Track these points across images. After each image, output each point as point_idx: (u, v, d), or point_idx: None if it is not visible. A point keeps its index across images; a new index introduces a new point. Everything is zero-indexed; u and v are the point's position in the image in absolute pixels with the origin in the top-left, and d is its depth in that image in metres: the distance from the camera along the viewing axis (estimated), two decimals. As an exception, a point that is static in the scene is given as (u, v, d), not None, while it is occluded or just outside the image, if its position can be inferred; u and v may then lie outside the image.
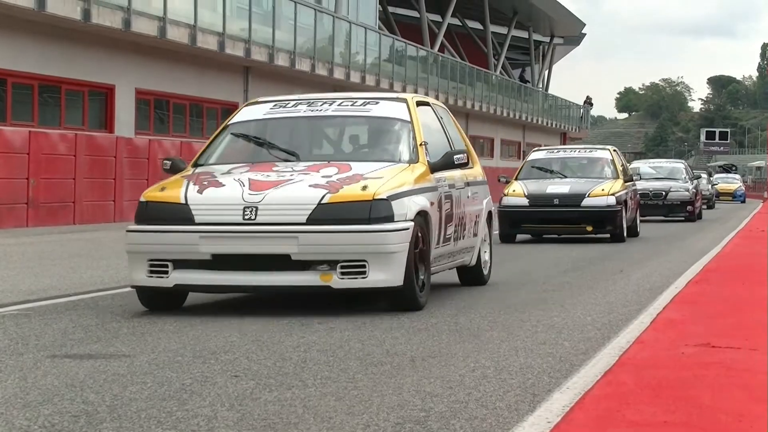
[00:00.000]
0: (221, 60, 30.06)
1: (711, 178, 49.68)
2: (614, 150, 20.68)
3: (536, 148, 21.86)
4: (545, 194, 18.47)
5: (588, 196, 18.24)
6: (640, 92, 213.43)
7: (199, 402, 4.80)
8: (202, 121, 31.32)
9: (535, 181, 19.19)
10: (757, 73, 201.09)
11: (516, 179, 19.59)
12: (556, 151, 21.11)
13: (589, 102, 78.49)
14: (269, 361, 5.88)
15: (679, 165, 31.05)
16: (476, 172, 10.22)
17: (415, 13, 51.45)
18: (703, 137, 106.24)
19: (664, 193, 28.08)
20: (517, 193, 18.69)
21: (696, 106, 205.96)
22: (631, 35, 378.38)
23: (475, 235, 9.89)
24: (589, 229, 18.23)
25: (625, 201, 18.64)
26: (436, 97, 45.50)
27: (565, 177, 19.53)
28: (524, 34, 65.99)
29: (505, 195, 18.86)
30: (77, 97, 25.81)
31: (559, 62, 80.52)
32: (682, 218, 27.54)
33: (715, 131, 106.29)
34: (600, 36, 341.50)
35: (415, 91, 43.27)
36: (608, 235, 18.31)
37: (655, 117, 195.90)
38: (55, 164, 23.40)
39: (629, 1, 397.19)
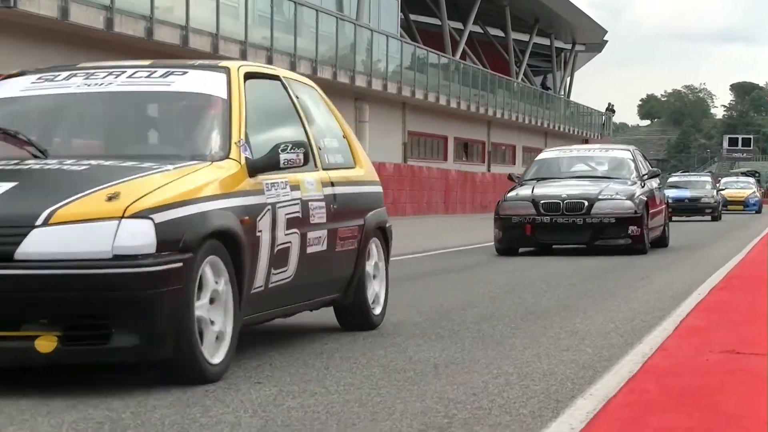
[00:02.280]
0: (243, 68, 30.11)
1: (717, 184, 43.68)
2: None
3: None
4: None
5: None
6: (663, 99, 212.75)
7: (222, 408, 4.81)
8: (224, 129, 31.38)
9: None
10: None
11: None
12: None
13: (611, 109, 78.33)
14: (292, 368, 5.88)
15: (623, 155, 18.21)
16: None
17: (436, 21, 51.47)
18: (725, 144, 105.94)
19: (585, 203, 16.03)
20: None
21: (719, 112, 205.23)
22: (654, 42, 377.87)
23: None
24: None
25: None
26: (458, 105, 45.54)
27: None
28: (546, 42, 65.92)
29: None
30: (100, 105, 25.90)
31: (581, 69, 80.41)
32: (622, 246, 15.93)
33: (737, 138, 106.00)
34: (622, 43, 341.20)
35: (437, 99, 43.30)
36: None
37: (677, 124, 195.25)
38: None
39: (651, 8, 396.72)
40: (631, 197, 16.17)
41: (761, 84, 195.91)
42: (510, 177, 18.13)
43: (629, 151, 18.36)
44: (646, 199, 16.43)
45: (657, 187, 18.09)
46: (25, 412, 4.75)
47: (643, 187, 16.88)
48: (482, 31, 59.07)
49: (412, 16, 51.40)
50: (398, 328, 7.55)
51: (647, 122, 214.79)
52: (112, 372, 5.71)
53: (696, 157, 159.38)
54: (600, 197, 16.02)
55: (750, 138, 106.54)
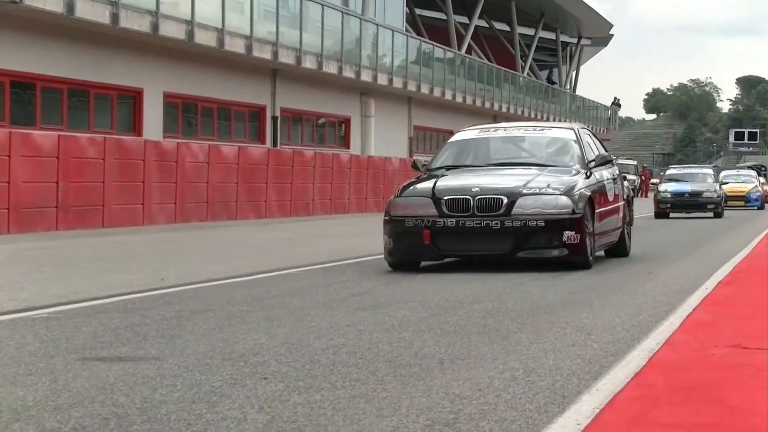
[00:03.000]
0: (249, 63, 30.15)
1: (719, 177, 39.90)
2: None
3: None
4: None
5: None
6: (668, 93, 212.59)
7: (228, 404, 4.81)
8: (229, 124, 31.43)
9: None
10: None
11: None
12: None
13: (616, 103, 78.30)
14: (298, 363, 5.89)
15: (564, 134, 13.96)
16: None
17: (442, 15, 51.45)
18: (732, 138, 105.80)
19: (504, 200, 12.03)
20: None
21: (725, 106, 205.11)
22: (659, 36, 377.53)
23: None
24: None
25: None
26: (464, 99, 45.53)
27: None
28: (551, 36, 65.88)
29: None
30: (106, 100, 25.95)
31: (587, 63, 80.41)
32: (554, 259, 12.00)
33: (744, 132, 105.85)
34: (628, 37, 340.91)
35: (443, 94, 43.31)
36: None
37: (683, 118, 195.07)
38: (84, 168, 23.52)
39: (657, 2, 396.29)
40: (568, 192, 12.06)
41: (767, 77, 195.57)
42: (414, 164, 13.70)
43: (573, 130, 13.87)
44: (590, 194, 12.37)
45: (611, 179, 13.87)
46: (31, 408, 4.75)
47: (588, 177, 12.74)
48: (488, 26, 59.04)
49: (418, 11, 51.38)
50: (404, 323, 7.55)
51: (653, 116, 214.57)
52: (117, 367, 5.72)
53: (702, 152, 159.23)
54: (525, 192, 11.91)
55: (756, 132, 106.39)
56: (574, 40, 70.61)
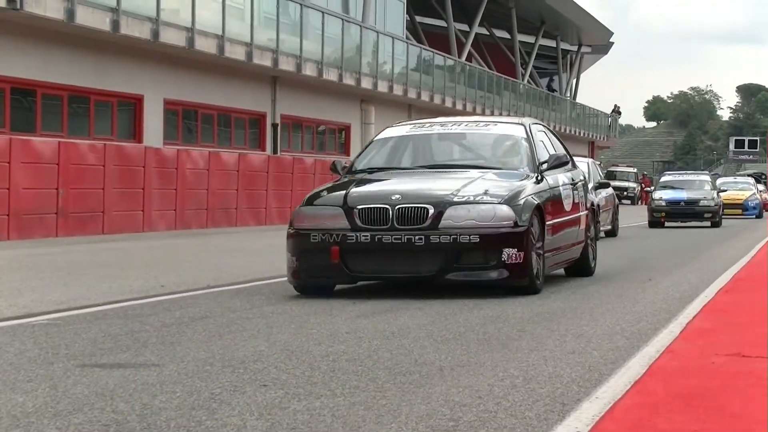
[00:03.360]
0: (249, 70, 30.17)
1: (717, 184, 37.10)
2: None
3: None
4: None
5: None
6: (669, 101, 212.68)
7: (228, 411, 4.81)
8: (230, 131, 31.44)
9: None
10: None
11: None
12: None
13: (617, 111, 78.37)
14: (298, 370, 5.88)
15: (513, 131, 11.78)
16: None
17: (442, 23, 51.49)
18: (732, 146, 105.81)
19: (430, 210, 9.92)
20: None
21: (725, 114, 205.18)
22: (660, 44, 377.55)
23: None
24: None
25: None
26: (464, 107, 45.55)
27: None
28: (552, 43, 65.95)
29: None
30: (106, 107, 25.96)
31: (587, 71, 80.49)
32: (492, 282, 9.94)
33: (744, 140, 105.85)
34: (628, 45, 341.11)
35: (443, 101, 43.34)
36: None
37: (683, 125, 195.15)
38: (84, 174, 23.52)
39: (657, 10, 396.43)
40: (510, 200, 10.00)
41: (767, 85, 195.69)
42: (333, 166, 11.42)
43: (523, 125, 11.59)
44: (539, 202, 10.33)
45: (569, 184, 11.74)
46: (31, 414, 4.75)
47: (538, 182, 10.75)
48: (488, 33, 59.10)
49: (418, 18, 51.43)
50: (404, 330, 7.55)
51: (653, 124, 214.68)
52: (117, 374, 5.72)
53: (702, 159, 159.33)
54: (456, 200, 9.86)
55: (756, 140, 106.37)
56: (575, 48, 70.68)
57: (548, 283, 11.11)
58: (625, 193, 64.52)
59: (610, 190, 24.31)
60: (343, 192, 10.19)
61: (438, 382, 5.54)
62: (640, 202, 64.29)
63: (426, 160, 11.31)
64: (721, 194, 33.19)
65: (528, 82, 60.28)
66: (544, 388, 5.37)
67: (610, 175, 68.10)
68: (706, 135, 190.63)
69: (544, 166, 11.11)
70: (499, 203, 9.91)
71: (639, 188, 67.02)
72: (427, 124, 11.89)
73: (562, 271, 12.17)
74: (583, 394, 5.15)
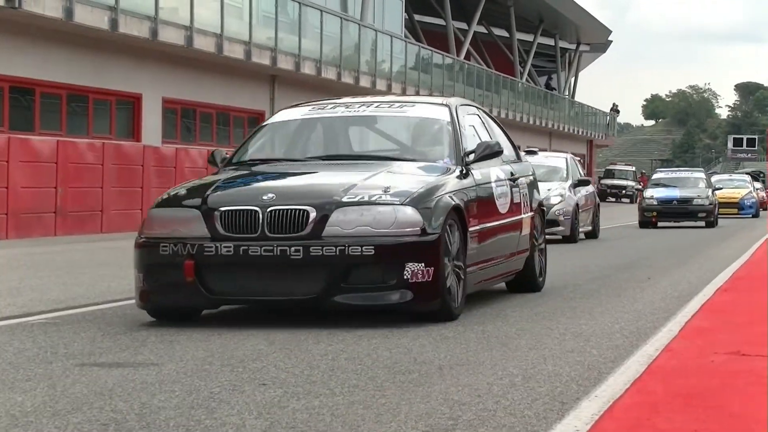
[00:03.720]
0: (248, 69, 30.15)
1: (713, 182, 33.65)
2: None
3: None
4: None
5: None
6: (667, 99, 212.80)
7: (227, 410, 4.81)
8: (228, 129, 31.44)
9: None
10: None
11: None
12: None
13: (615, 109, 78.37)
14: (297, 369, 5.88)
15: (436, 113, 9.55)
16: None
17: (441, 21, 51.49)
18: (730, 144, 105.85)
19: (312, 214, 7.79)
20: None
21: (723, 113, 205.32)
22: (658, 42, 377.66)
23: None
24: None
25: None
26: (462, 105, 45.48)
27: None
28: (550, 42, 65.95)
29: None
30: (105, 106, 25.95)
31: (586, 69, 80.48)
32: (391, 306, 7.78)
33: (742, 138, 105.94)
34: (626, 43, 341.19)
35: (441, 99, 43.25)
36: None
37: (682, 124, 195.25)
38: (82, 173, 23.52)
39: (656, 9, 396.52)
40: (418, 199, 7.83)
41: (766, 84, 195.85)
42: (211, 158, 9.31)
43: (447, 107, 9.38)
44: (458, 202, 8.16)
45: (507, 179, 9.66)
46: (30, 414, 4.75)
47: (463, 177, 8.62)
48: (486, 32, 59.09)
49: (417, 17, 51.42)
50: (403, 329, 7.54)
51: (652, 122, 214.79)
52: (116, 373, 5.71)
53: (701, 158, 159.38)
54: (345, 200, 7.72)
55: (755, 138, 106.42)
56: (573, 46, 70.66)
57: (546, 281, 10.99)
58: (623, 191, 64.59)
59: (590, 188, 22.69)
60: (204, 191, 8.08)
61: (437, 380, 5.54)
62: (638, 201, 64.28)
63: (323, 149, 9.21)
64: (716, 192, 31.17)
65: (526, 80, 60.28)
66: (543, 386, 5.36)
67: (609, 174, 68.28)
68: (705, 133, 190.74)
69: (471, 157, 8.95)
70: (401, 204, 7.72)
71: (639, 186, 67.04)
72: (330, 106, 9.60)
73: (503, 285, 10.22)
74: (583, 393, 5.15)
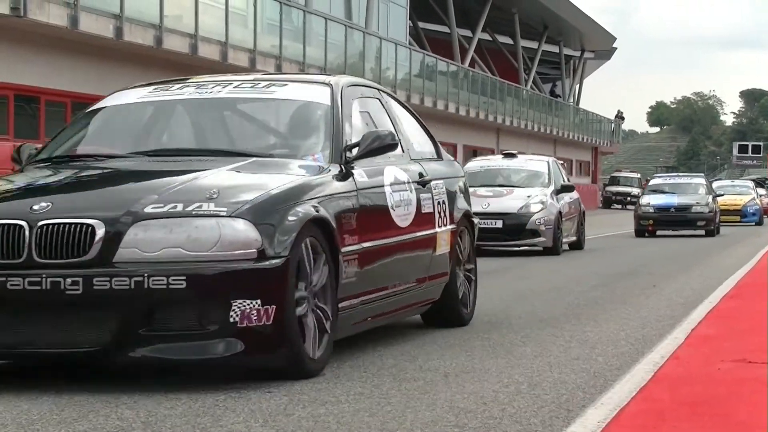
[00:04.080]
0: (252, 76, 30.15)
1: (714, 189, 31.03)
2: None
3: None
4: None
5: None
6: (672, 106, 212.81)
7: (233, 418, 4.81)
8: (233, 137, 31.44)
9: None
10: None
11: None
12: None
13: (620, 116, 78.34)
14: (302, 377, 5.88)
15: (308, 94, 7.18)
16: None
17: (445, 29, 51.51)
18: (735, 151, 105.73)
19: (101, 232, 5.55)
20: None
21: (728, 119, 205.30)
22: (663, 49, 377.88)
23: None
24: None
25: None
26: (467, 113, 45.57)
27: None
28: (555, 49, 65.94)
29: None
30: (110, 114, 25.96)
31: (590, 76, 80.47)
32: (210, 361, 5.63)
33: (747, 145, 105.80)
34: (631, 50, 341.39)
35: (446, 107, 43.36)
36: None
37: (687, 131, 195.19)
38: (87, 181, 23.46)
39: (660, 15, 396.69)
40: (258, 209, 5.65)
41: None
42: (15, 154, 7.29)
43: (329, 85, 7.11)
44: (324, 213, 6.02)
45: (412, 182, 7.44)
46: (36, 422, 4.75)
47: (342, 179, 6.52)
48: (491, 39, 59.11)
49: (421, 24, 51.44)
50: (408, 336, 7.54)
51: (657, 129, 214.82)
52: (121, 380, 5.71)
53: (706, 165, 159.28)
54: (150, 210, 5.55)
55: (760, 145, 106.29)
56: (578, 53, 70.64)
57: (549, 288, 11.00)
58: (628, 198, 64.51)
59: (574, 195, 20.32)
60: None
61: (443, 388, 5.54)
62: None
63: (153, 142, 6.98)
64: (717, 199, 29.27)
65: (531, 87, 60.27)
66: (549, 394, 5.36)
67: (614, 181, 68.23)
68: (710, 140, 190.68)
69: (354, 151, 6.72)
70: (229, 216, 5.53)
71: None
72: (178, 86, 7.29)
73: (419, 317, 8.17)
74: (588, 401, 5.15)
